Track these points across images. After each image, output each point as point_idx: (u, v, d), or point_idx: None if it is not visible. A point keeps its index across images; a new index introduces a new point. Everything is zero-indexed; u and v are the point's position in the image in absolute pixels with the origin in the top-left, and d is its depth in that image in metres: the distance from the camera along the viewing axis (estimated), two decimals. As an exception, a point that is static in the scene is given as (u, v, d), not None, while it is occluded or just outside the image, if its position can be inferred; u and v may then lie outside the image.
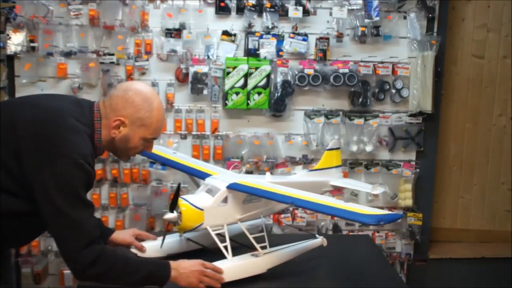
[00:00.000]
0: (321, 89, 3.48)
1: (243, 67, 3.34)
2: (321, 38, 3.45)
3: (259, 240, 2.22)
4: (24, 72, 3.24)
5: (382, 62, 3.53)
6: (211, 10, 3.37)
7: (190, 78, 3.33)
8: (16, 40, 3.20)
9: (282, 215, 3.51)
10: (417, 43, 3.51)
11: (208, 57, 3.34)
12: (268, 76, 3.38)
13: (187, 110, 3.41)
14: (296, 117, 3.53)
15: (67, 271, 3.39)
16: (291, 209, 3.54)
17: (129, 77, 3.30)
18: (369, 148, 3.56)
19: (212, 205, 2.14)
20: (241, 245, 2.27)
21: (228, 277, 2.10)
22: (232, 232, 2.26)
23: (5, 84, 3.21)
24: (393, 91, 3.58)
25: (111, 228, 2.38)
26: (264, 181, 2.30)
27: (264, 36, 3.38)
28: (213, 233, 2.15)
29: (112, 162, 3.36)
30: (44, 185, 1.73)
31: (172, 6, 3.32)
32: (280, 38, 3.41)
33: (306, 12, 3.41)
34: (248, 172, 3.33)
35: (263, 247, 2.21)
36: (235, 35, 3.37)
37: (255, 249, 2.20)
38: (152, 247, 2.30)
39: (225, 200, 2.17)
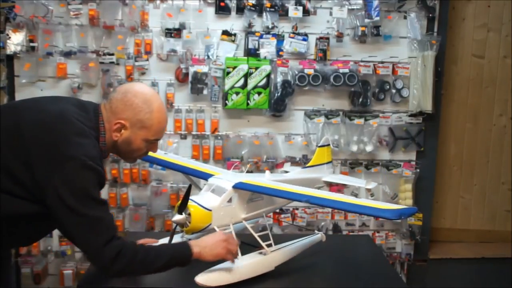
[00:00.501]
0: (321, 89, 3.48)
1: (243, 67, 3.34)
2: (321, 38, 3.45)
3: (263, 238, 2.22)
4: (24, 72, 3.24)
5: (382, 62, 3.53)
6: (211, 10, 3.37)
7: (190, 78, 3.33)
8: (15, 40, 3.20)
9: (282, 215, 3.51)
10: (417, 43, 3.51)
11: (208, 57, 3.34)
12: (268, 76, 3.38)
13: (187, 110, 3.41)
14: (296, 117, 3.53)
15: (66, 271, 3.40)
16: (291, 208, 3.55)
17: (129, 77, 3.30)
18: (369, 148, 3.56)
19: (219, 205, 2.14)
20: (242, 243, 2.27)
21: (239, 276, 2.11)
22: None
23: (5, 84, 3.22)
24: (393, 91, 3.57)
25: None
26: (266, 180, 2.30)
27: (264, 36, 3.38)
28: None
29: (112, 162, 3.36)
30: (56, 191, 1.73)
31: (172, 6, 3.32)
32: (280, 38, 3.41)
33: (306, 12, 3.41)
34: (248, 172, 3.32)
35: (269, 245, 2.22)
36: (235, 35, 3.37)
37: (259, 247, 2.22)
38: None
39: (230, 200, 2.18)
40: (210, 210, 2.10)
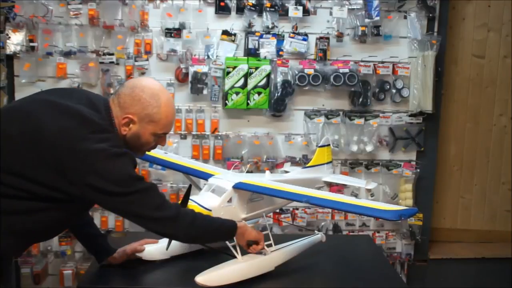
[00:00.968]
0: (321, 89, 3.48)
1: (243, 67, 3.34)
2: (321, 37, 3.45)
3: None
4: (24, 72, 3.24)
5: (382, 62, 3.53)
6: (211, 9, 3.37)
7: (190, 78, 3.33)
8: (15, 40, 3.20)
9: (282, 215, 3.51)
10: (418, 43, 3.51)
11: (208, 57, 3.34)
12: (268, 76, 3.37)
13: (187, 110, 3.41)
14: (296, 117, 3.52)
15: (66, 271, 3.39)
16: (291, 208, 3.54)
17: (129, 77, 3.30)
18: (369, 148, 3.56)
19: (219, 205, 2.14)
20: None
21: (239, 276, 2.11)
22: None
23: (5, 84, 3.21)
24: (394, 91, 3.57)
25: (113, 248, 2.32)
26: (266, 180, 2.29)
27: (264, 35, 3.37)
28: None
29: (111, 162, 3.35)
30: (97, 188, 1.77)
31: (172, 5, 3.31)
32: (280, 38, 3.40)
33: (306, 12, 3.41)
34: (248, 172, 3.32)
35: (269, 246, 2.22)
36: (235, 34, 3.37)
37: None
38: (158, 249, 2.30)
39: (230, 200, 2.17)
40: (210, 210, 2.10)
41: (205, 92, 3.36)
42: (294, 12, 3.36)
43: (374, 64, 3.51)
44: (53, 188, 1.79)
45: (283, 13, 3.38)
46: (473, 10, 3.85)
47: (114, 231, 3.39)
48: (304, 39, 3.41)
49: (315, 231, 2.53)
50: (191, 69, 3.31)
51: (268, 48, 3.38)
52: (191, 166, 2.57)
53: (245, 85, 3.36)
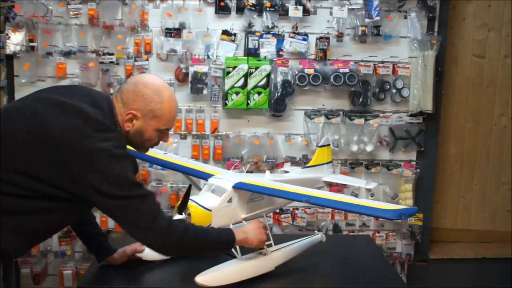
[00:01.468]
0: (321, 89, 3.47)
1: (243, 67, 3.34)
2: (321, 37, 3.45)
3: None
4: (24, 71, 3.23)
5: (382, 62, 3.52)
6: (211, 9, 3.37)
7: (190, 78, 3.32)
8: (15, 40, 3.20)
9: (282, 215, 3.51)
10: (418, 43, 3.50)
11: (208, 56, 3.34)
12: (268, 76, 3.37)
13: (187, 110, 3.41)
14: (296, 117, 3.52)
15: (66, 271, 3.39)
16: (291, 208, 3.54)
17: (129, 76, 3.29)
18: (369, 148, 3.55)
19: (219, 205, 2.14)
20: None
21: (239, 276, 2.11)
22: None
23: (4, 84, 3.21)
24: (394, 91, 3.57)
25: (114, 249, 2.31)
26: (266, 180, 2.29)
27: (264, 35, 3.37)
28: None
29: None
30: (95, 187, 1.77)
31: (172, 5, 3.31)
32: (280, 38, 3.40)
33: (306, 12, 3.40)
34: (248, 172, 3.32)
35: (269, 246, 2.22)
36: (235, 34, 3.37)
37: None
38: None
39: (230, 200, 2.17)
40: (210, 210, 2.10)
41: (205, 92, 3.36)
42: (294, 12, 3.35)
43: (374, 64, 3.51)
44: (57, 187, 1.80)
45: (283, 13, 3.38)
46: (473, 10, 3.85)
47: (114, 231, 3.39)
48: (304, 39, 3.41)
49: (315, 231, 2.53)
50: (191, 69, 3.31)
51: (268, 48, 3.37)
52: (191, 166, 2.57)
53: (245, 85, 3.35)
